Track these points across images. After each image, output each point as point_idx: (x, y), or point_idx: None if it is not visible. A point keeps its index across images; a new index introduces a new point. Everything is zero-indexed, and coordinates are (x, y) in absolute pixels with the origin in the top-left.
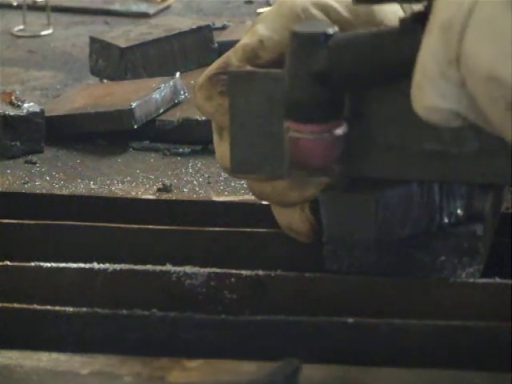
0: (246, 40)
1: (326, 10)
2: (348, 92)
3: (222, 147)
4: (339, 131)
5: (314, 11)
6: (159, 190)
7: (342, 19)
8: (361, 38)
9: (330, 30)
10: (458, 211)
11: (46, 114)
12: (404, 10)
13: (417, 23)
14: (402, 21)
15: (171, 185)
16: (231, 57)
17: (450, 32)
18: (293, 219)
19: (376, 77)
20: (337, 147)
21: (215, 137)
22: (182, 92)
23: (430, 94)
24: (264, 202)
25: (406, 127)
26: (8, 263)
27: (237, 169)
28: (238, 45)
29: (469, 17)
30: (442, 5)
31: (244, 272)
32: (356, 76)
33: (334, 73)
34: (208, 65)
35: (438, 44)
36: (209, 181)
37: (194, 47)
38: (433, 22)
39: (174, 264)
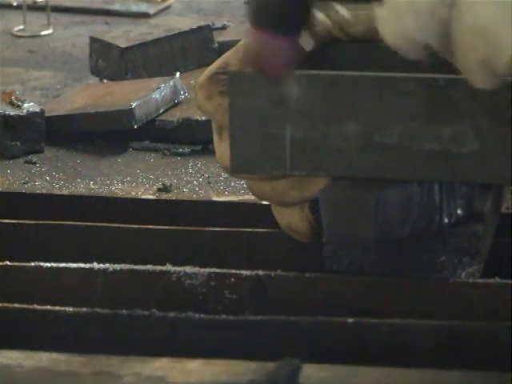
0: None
1: (326, 10)
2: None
3: (221, 147)
4: (292, 37)
5: (315, 12)
6: (159, 189)
7: (342, 19)
8: None
9: None
10: (458, 211)
11: (46, 114)
12: None
13: None
14: None
15: (171, 185)
16: (231, 58)
17: None
18: (292, 219)
19: None
20: (290, 52)
21: (215, 137)
22: (182, 92)
23: (411, 24)
24: (264, 202)
25: (406, 127)
26: (8, 263)
27: (236, 168)
28: (238, 46)
29: None
30: None
31: (244, 272)
32: None
33: None
34: (208, 65)
35: None
36: (209, 181)
37: (194, 47)
38: None
39: (173, 264)
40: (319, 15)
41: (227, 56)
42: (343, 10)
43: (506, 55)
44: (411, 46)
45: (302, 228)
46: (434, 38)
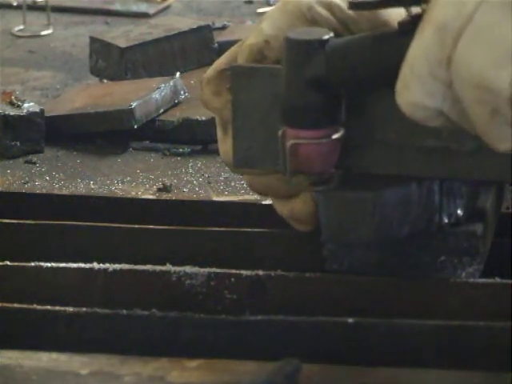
0: (252, 40)
1: (331, 8)
2: (345, 96)
3: (226, 143)
4: (337, 136)
5: (319, 9)
6: (159, 189)
7: (347, 17)
8: (358, 42)
9: (325, 36)
10: (458, 211)
11: (46, 114)
12: (407, 11)
13: (415, 25)
14: (401, 23)
15: (171, 185)
16: (238, 56)
17: (445, 33)
18: (295, 203)
19: (375, 80)
20: (335, 152)
21: (219, 133)
22: (182, 92)
23: (416, 90)
24: (264, 202)
25: (406, 124)
26: (8, 263)
27: (239, 163)
28: (245, 45)
29: (468, 22)
30: (440, 5)
31: (244, 272)
32: (355, 80)
33: (332, 78)
34: (208, 65)
35: (431, 43)
36: (209, 181)
37: (194, 47)
38: (428, 20)
39: (173, 264)
40: (323, 12)
41: (235, 52)
42: (348, 9)
43: (506, 97)
44: (424, 113)
45: (305, 210)
46: (444, 102)
